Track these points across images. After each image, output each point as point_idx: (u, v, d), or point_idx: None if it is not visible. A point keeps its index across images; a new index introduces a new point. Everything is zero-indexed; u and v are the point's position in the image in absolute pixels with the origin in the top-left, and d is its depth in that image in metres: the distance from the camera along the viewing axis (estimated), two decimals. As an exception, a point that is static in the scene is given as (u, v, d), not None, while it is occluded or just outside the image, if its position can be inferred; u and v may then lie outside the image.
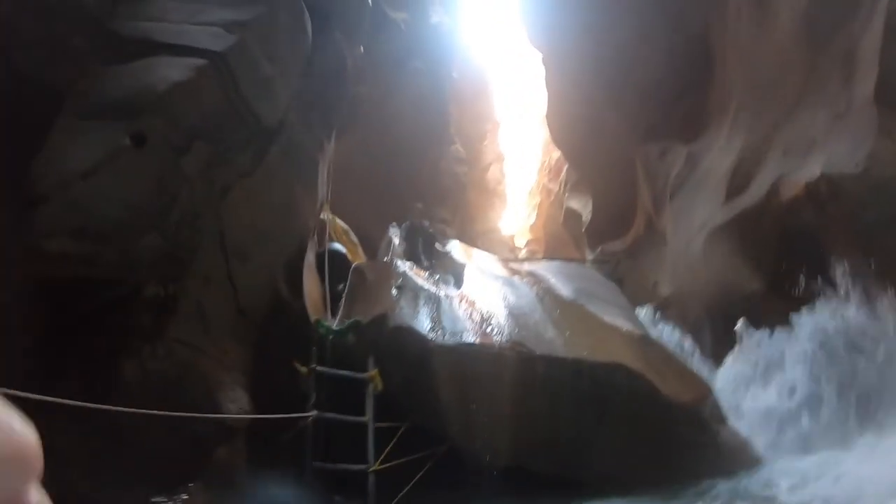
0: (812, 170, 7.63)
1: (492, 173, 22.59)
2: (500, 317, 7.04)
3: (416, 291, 7.40)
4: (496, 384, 6.30)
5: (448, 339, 6.49)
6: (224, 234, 6.12)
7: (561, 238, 18.83)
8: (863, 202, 7.02)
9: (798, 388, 7.43)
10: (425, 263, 9.30)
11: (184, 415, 5.05)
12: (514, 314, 7.18)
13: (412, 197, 14.66)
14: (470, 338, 6.56)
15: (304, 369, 6.52)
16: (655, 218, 13.28)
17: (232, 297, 6.24)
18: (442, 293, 7.56)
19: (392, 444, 6.30)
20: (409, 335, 6.59)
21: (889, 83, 6.69)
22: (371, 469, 6.12)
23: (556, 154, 21.69)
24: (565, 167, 20.21)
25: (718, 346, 9.28)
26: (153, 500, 5.12)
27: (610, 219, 15.65)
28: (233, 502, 5.75)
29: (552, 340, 6.69)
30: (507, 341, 6.55)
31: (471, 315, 7.01)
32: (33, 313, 4.69)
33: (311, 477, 6.05)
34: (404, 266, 8.22)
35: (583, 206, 17.78)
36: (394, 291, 7.40)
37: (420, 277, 7.83)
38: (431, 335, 6.51)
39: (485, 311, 7.14)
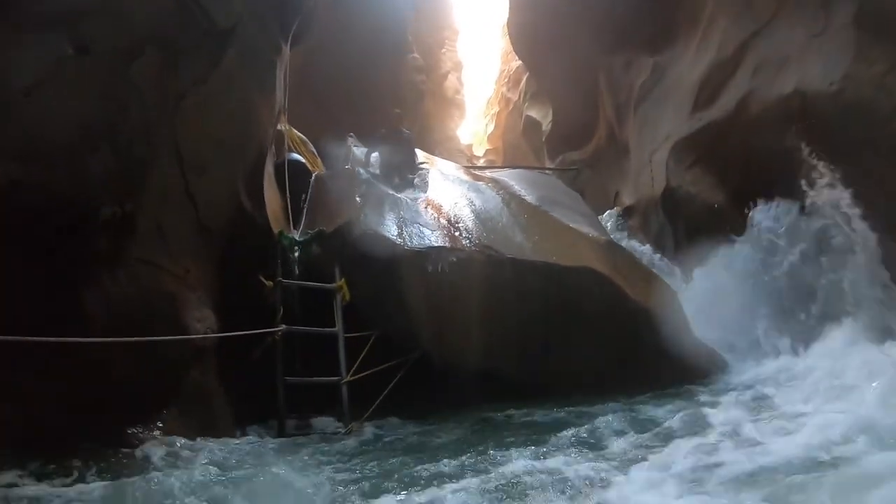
0: (784, 86, 7.56)
1: (450, 82, 22.05)
2: (467, 221, 6.90)
3: (381, 198, 7.19)
4: (465, 288, 6.22)
5: (416, 244, 6.34)
6: (180, 145, 5.75)
7: (520, 148, 18.64)
8: (834, 122, 6.92)
9: (757, 297, 7.62)
10: (409, 177, 8.53)
11: (151, 339, 4.91)
12: (482, 218, 7.05)
13: (369, 108, 14.24)
14: (438, 241, 6.41)
15: (269, 283, 6.38)
16: (618, 129, 13.16)
17: (192, 213, 5.95)
18: (407, 199, 7.34)
19: (363, 353, 6.26)
20: (375, 241, 6.45)
21: (869, 9, 6.61)
22: (344, 381, 6.11)
23: (516, 64, 21.21)
24: (525, 77, 19.78)
25: (681, 254, 9.39)
26: (129, 430, 5.00)
27: (570, 129, 15.48)
28: (209, 424, 5.62)
29: (521, 245, 6.62)
30: (475, 245, 6.43)
31: (438, 220, 6.85)
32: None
33: (283, 392, 5.99)
34: (367, 173, 7.94)
35: (542, 116, 17.57)
36: (357, 199, 7.16)
37: (383, 184, 7.55)
38: (398, 240, 6.37)
39: (452, 216, 6.99)
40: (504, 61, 23.55)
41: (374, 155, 9.03)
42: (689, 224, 9.48)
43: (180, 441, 5.10)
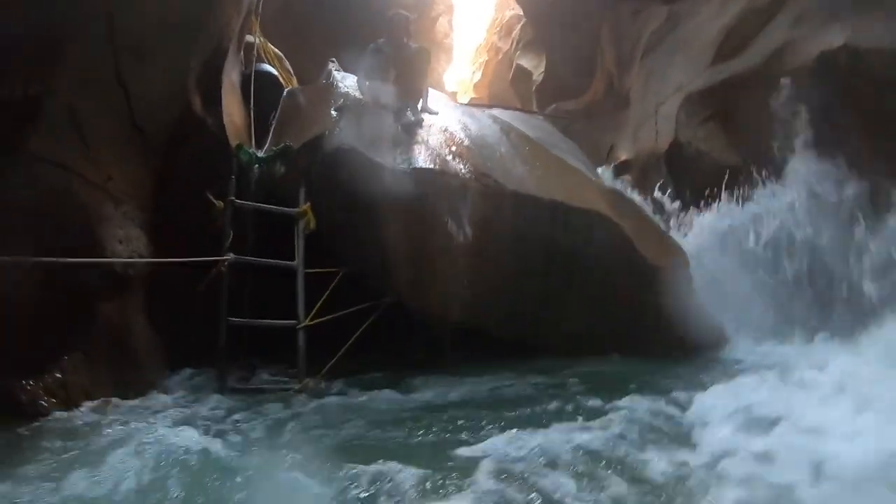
0: (831, 39, 6.62)
1: (440, 25, 20.81)
2: (461, 144, 5.80)
3: (361, 111, 6.02)
4: (449, 222, 5.17)
5: (400, 163, 5.26)
6: (114, 17, 4.58)
7: (506, 98, 17.65)
8: (889, 82, 6.00)
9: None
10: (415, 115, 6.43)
11: (47, 260, 3.82)
12: (478, 144, 5.94)
13: (355, 44, 13.12)
14: (427, 163, 5.35)
15: (218, 203, 5.32)
16: (618, 79, 12.37)
17: (123, 105, 4.80)
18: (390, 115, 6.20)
19: (326, 294, 5.25)
20: (351, 159, 5.30)
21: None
22: (301, 325, 5.10)
23: (510, 13, 20.53)
24: (519, 26, 19.04)
25: (683, 212, 8.55)
26: (16, 389, 3.90)
27: (564, 79, 14.76)
28: (129, 378, 4.57)
29: (522, 177, 5.60)
30: (470, 171, 5.38)
31: (427, 140, 5.74)
32: None
33: (226, 336, 4.96)
34: (346, 84, 6.77)
35: (534, 66, 16.84)
36: (333, 112, 6.05)
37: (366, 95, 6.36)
38: (379, 158, 5.24)
39: (444, 137, 5.86)
40: (497, 9, 22.65)
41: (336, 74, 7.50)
42: (696, 183, 8.58)
43: (88, 404, 4.10)
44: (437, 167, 5.30)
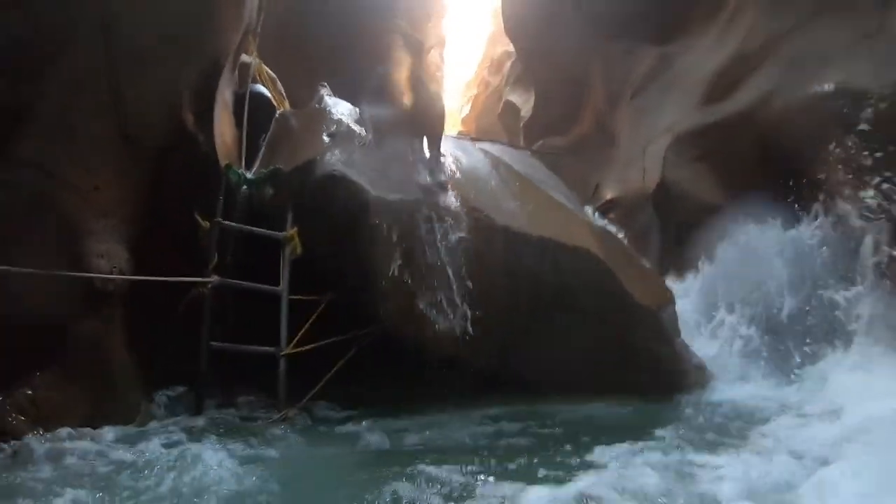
0: (823, 82, 6.75)
1: (431, 57, 20.98)
2: (453, 176, 5.75)
3: (354, 139, 5.99)
4: (439, 255, 5.11)
5: (391, 194, 5.21)
6: (111, 25, 4.55)
7: (494, 133, 17.73)
8: (881, 127, 6.09)
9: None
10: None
11: (24, 270, 3.72)
12: (469, 177, 5.91)
13: (350, 69, 13.12)
14: (417, 195, 5.30)
15: (205, 223, 5.25)
16: (608, 117, 12.45)
17: (113, 114, 4.73)
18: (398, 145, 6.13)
19: (311, 321, 5.18)
20: (341, 186, 5.24)
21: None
22: (283, 353, 5.03)
23: (501, 49, 20.79)
24: (509, 62, 19.29)
25: (667, 255, 8.58)
26: None
27: (553, 115, 14.83)
28: (105, 400, 4.44)
29: (514, 213, 5.56)
30: (462, 204, 5.33)
31: (419, 171, 5.70)
32: None
33: (207, 360, 4.88)
34: (341, 110, 6.72)
35: (523, 102, 16.99)
36: (326, 138, 6.00)
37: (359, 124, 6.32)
38: (368, 186, 5.19)
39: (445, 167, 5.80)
40: (489, 45, 22.92)
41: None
42: (683, 223, 8.61)
43: (65, 431, 3.97)
44: (428, 199, 5.26)
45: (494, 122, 18.55)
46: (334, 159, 5.43)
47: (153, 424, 4.49)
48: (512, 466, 3.69)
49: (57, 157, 4.25)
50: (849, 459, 3.33)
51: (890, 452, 3.32)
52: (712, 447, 3.89)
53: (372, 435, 4.44)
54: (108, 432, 4.16)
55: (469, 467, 3.62)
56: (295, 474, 3.68)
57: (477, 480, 3.43)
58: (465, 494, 3.24)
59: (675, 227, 8.74)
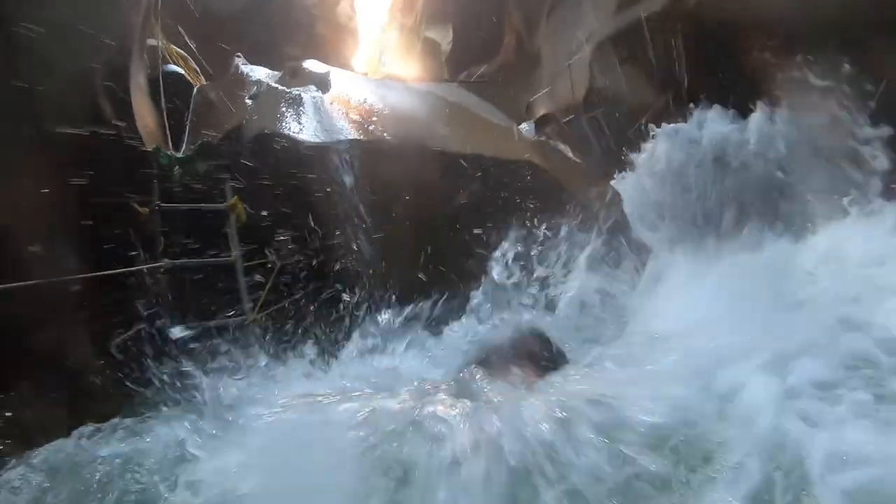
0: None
1: (342, 8, 20.52)
2: (383, 115, 5.75)
3: (277, 97, 5.91)
4: (385, 190, 5.13)
5: (324, 138, 5.17)
6: (5, 21, 4.37)
7: (416, 73, 17.59)
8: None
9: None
10: None
11: None
12: (398, 111, 5.92)
13: (260, 39, 12.79)
14: (350, 135, 5.29)
15: (144, 210, 5.15)
16: (527, 39, 12.38)
17: (29, 117, 4.57)
18: (308, 95, 6.12)
19: (268, 287, 5.21)
20: (273, 142, 5.23)
21: None
22: (251, 319, 5.05)
23: None
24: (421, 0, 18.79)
25: (607, 160, 8.69)
26: None
27: (473, 46, 14.67)
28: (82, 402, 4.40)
29: (447, 137, 5.58)
30: (395, 137, 5.33)
31: (347, 115, 5.68)
32: None
33: (174, 345, 4.85)
34: (259, 73, 6.61)
35: (442, 37, 16.66)
36: (248, 101, 5.91)
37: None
38: (302, 136, 5.15)
39: (364, 110, 5.81)
40: None
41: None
42: (615, 128, 8.72)
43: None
44: (361, 138, 5.25)
45: (415, 64, 18.26)
46: (261, 119, 5.37)
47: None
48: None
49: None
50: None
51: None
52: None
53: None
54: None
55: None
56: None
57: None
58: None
59: (608, 132, 8.87)
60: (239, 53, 8.71)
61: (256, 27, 13.49)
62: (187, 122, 6.33)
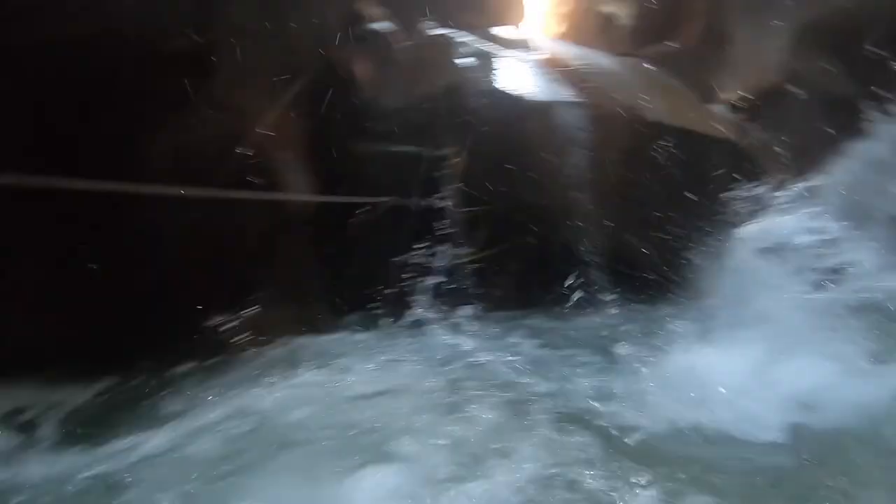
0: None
1: (516, -22, 20.54)
2: (592, 80, 5.80)
3: (488, 58, 6.08)
4: (600, 149, 5.18)
5: (545, 96, 5.29)
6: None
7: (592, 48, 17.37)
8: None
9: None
10: None
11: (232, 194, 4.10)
12: (607, 78, 5.94)
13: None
14: (567, 97, 5.40)
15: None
16: (716, 17, 11.90)
17: (277, 52, 5.02)
18: (519, 57, 6.27)
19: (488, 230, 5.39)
20: (495, 98, 5.41)
21: None
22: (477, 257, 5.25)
23: None
24: (597, -29, 18.38)
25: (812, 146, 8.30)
26: (207, 324, 4.20)
27: (655, 22, 14.17)
28: (306, 314, 4.80)
29: (656, 109, 5.58)
30: (608, 102, 5.37)
31: (560, 78, 5.77)
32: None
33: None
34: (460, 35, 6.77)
35: (620, 10, 16.23)
36: (461, 61, 6.06)
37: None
38: (523, 94, 5.29)
39: (576, 75, 5.88)
40: None
41: None
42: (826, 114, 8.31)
43: (287, 340, 4.43)
44: (584, 100, 5.35)
45: (591, 39, 17.99)
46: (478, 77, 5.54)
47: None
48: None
49: (239, 98, 4.58)
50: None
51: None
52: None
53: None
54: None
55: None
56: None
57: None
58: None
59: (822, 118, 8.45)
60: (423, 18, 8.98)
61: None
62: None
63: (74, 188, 3.25)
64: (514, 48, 6.89)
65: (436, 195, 5.33)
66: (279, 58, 5.03)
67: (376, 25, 7.76)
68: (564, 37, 21.55)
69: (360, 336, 4.71)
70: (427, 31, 7.81)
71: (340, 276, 5.00)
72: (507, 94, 5.38)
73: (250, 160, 4.46)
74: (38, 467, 2.98)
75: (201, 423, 3.26)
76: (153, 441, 3.12)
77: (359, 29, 7.26)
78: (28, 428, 3.47)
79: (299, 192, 4.91)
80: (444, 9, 11.51)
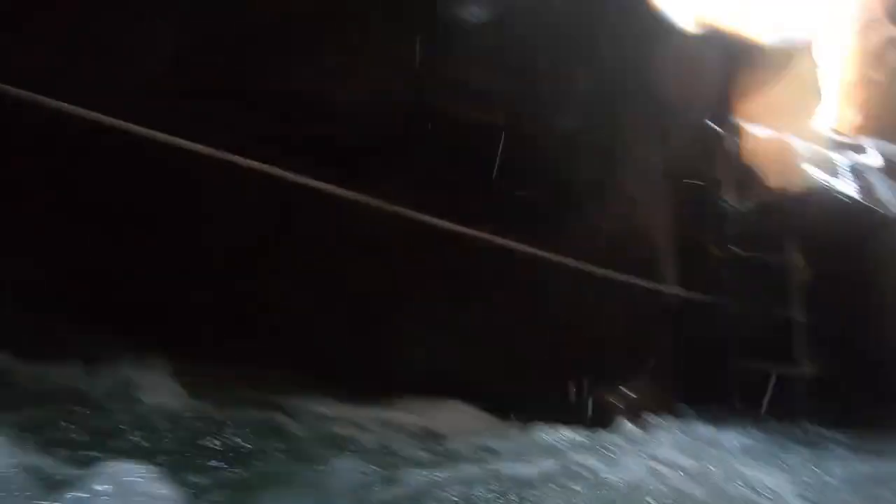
0: None
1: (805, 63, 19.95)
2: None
3: (826, 161, 6.34)
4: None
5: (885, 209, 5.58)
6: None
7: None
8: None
9: None
10: None
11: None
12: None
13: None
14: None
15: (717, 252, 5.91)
16: None
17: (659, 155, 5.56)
18: (856, 162, 6.53)
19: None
20: (838, 205, 5.71)
21: None
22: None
23: (877, 38, 18.69)
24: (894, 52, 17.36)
25: None
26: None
27: None
28: (659, 395, 5.29)
29: None
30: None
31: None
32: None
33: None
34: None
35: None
36: (802, 164, 6.28)
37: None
38: (872, 206, 5.62)
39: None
40: (862, 36, 20.84)
41: None
42: None
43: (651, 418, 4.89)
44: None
45: (890, 122, 16.99)
46: (821, 182, 5.95)
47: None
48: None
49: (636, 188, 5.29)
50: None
51: None
52: None
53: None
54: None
55: None
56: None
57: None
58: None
59: None
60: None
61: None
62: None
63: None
64: (844, 150, 7.09)
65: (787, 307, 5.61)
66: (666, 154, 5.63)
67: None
68: (865, 125, 20.28)
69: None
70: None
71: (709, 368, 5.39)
72: (855, 202, 5.67)
73: (641, 251, 5.15)
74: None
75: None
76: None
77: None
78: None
79: (670, 284, 5.46)
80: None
